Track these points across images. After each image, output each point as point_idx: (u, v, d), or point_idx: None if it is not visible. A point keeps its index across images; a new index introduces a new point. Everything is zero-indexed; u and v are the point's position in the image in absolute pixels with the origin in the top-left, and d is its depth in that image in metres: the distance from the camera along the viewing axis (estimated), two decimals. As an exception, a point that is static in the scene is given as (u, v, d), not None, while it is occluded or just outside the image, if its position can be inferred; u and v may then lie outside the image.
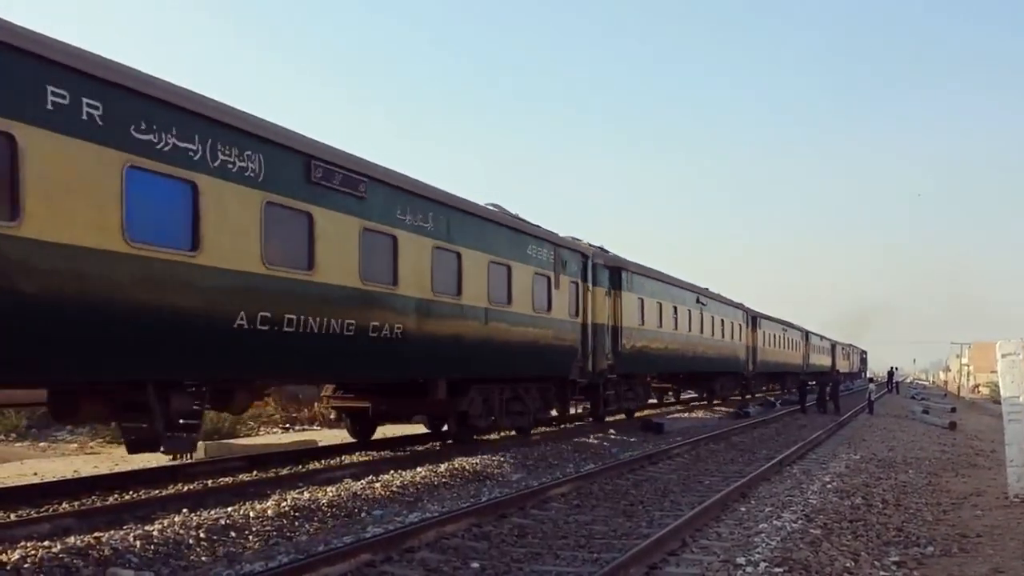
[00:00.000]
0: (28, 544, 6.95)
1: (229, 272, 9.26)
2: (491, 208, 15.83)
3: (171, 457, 14.05)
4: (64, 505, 9.48)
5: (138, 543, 7.22)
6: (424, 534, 7.84)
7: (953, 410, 37.79)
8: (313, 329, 10.49)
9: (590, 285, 19.44)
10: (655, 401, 29.80)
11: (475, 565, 7.11)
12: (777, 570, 6.78)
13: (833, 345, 66.64)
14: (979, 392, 72.92)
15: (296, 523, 8.61)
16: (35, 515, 8.67)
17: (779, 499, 10.58)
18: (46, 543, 6.98)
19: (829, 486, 11.84)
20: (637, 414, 24.66)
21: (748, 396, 38.77)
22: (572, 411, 21.64)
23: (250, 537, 7.98)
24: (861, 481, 12.60)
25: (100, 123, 7.81)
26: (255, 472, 12.24)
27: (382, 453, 14.73)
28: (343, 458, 14.15)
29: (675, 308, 26.36)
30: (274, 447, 15.65)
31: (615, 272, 21.22)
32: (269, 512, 8.76)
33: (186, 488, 10.73)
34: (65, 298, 7.56)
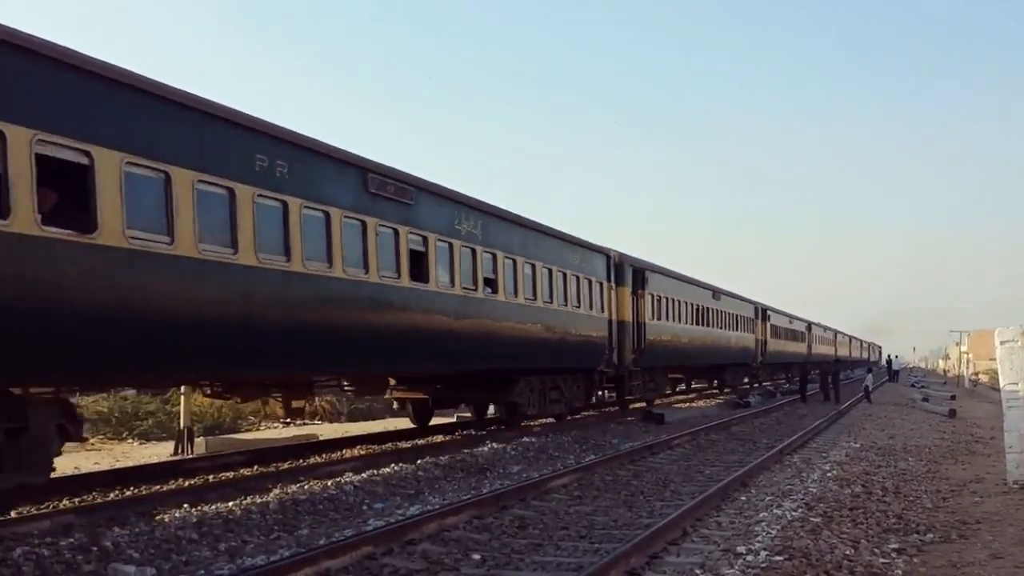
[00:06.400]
0: (29, 541, 6.97)
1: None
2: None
3: (172, 452, 14.34)
4: (65, 501, 9.50)
5: (139, 539, 7.24)
6: (425, 526, 7.86)
7: (953, 398, 37.77)
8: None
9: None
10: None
11: (476, 556, 7.13)
12: (777, 558, 6.79)
13: (835, 335, 67.85)
14: (978, 379, 72.93)
15: (297, 517, 8.63)
16: (36, 512, 8.69)
17: (779, 488, 10.60)
18: (48, 539, 7.00)
19: (829, 474, 11.87)
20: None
21: (755, 385, 39.65)
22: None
23: (251, 531, 7.99)
24: (861, 469, 12.63)
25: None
26: (256, 467, 12.26)
27: (383, 447, 14.76)
28: (344, 452, 14.18)
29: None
30: (275, 441, 15.68)
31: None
32: (270, 506, 8.78)
33: (187, 483, 10.75)
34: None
